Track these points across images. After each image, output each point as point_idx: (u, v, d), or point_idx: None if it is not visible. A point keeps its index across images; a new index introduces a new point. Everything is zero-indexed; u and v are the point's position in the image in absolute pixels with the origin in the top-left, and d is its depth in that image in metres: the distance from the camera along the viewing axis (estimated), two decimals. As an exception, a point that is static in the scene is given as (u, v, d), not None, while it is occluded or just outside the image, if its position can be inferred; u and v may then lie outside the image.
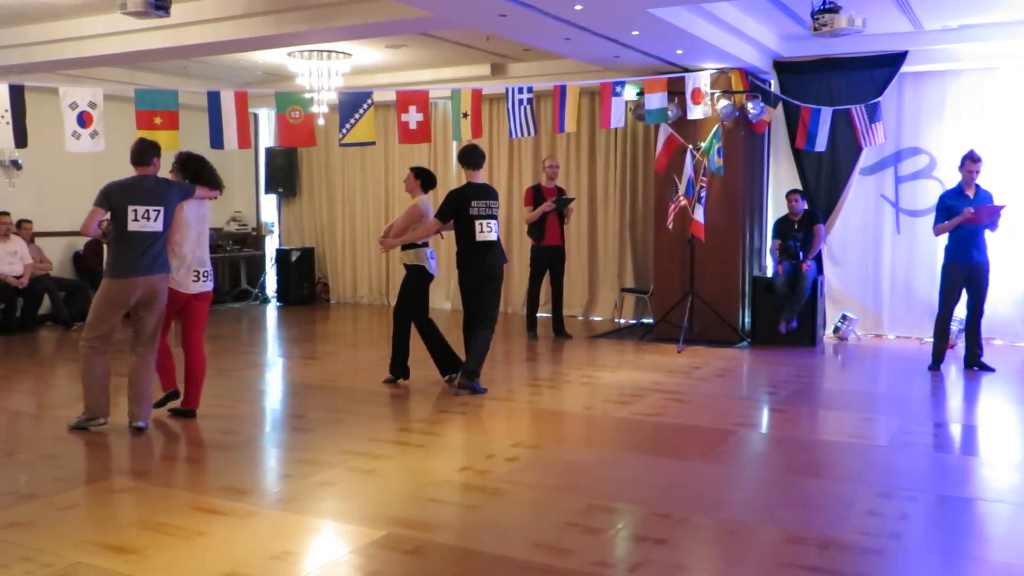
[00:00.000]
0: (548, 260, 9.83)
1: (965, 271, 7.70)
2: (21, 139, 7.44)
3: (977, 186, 7.78)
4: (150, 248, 5.66)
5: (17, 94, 7.20)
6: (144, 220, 5.62)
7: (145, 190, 5.68)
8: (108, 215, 5.68)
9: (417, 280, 7.19)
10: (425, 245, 7.18)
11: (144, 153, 5.79)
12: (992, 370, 7.82)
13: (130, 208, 5.58)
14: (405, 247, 7.11)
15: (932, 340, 8.09)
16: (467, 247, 6.93)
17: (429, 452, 5.38)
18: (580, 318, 11.54)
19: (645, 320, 10.91)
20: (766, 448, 5.69)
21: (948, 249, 7.83)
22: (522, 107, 8.34)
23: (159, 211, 5.68)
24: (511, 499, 4.49)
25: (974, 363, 7.92)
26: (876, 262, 9.91)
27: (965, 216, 7.54)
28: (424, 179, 7.26)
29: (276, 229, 13.89)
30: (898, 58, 9.17)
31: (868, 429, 6.03)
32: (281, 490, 4.69)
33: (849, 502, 4.46)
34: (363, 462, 5.11)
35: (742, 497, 4.64)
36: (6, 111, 7.28)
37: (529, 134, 8.46)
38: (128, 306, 5.70)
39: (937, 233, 7.91)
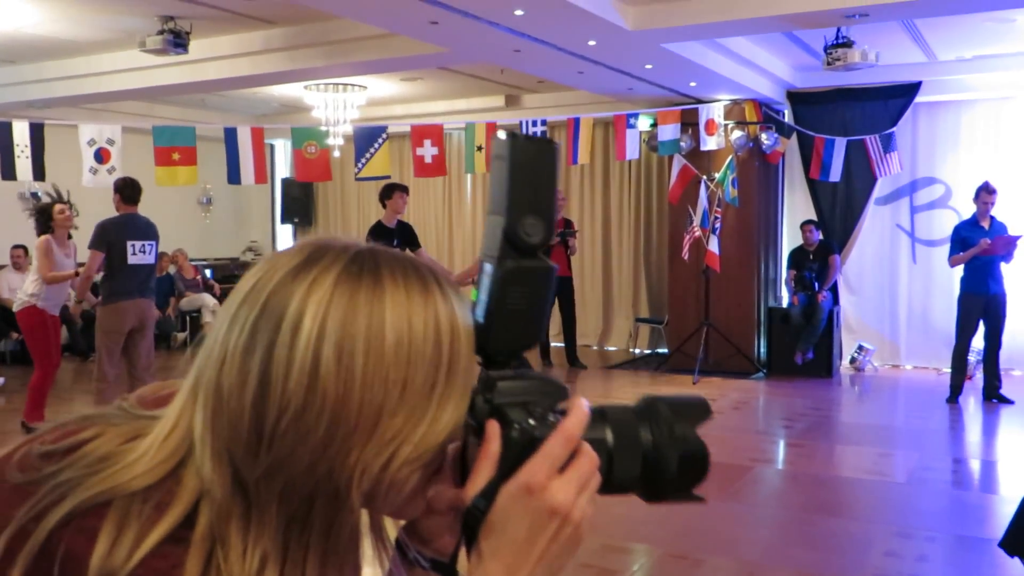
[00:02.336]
0: (555, 292, 9.80)
1: (982, 302, 7.65)
2: (39, 172, 7.56)
3: (992, 217, 7.74)
4: (145, 277, 6.23)
5: (37, 131, 7.31)
6: (141, 254, 6.16)
7: (139, 227, 6.21)
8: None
9: None
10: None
11: (137, 192, 6.30)
12: (1011, 402, 7.74)
13: (128, 243, 6.07)
14: None
15: (950, 371, 8.02)
16: None
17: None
18: (595, 347, 11.52)
19: (660, 350, 10.87)
20: (783, 485, 5.64)
21: (964, 280, 7.78)
22: (536, 140, 8.37)
23: (152, 245, 6.27)
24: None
25: (993, 395, 7.84)
26: (892, 292, 9.86)
27: (981, 247, 7.50)
28: None
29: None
30: (912, 88, 9.17)
31: (886, 465, 5.98)
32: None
33: (867, 542, 4.41)
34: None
35: (759, 537, 4.60)
36: (26, 146, 7.40)
37: (543, 166, 8.48)
38: (125, 332, 6.08)
39: (952, 264, 7.87)
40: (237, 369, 0.71)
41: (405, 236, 7.49)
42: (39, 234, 6.67)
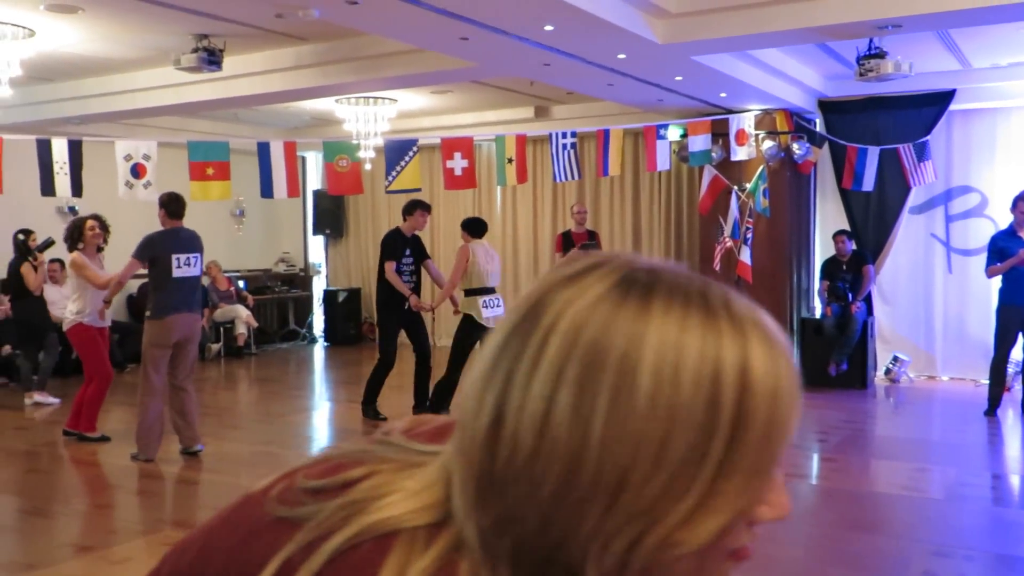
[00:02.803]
0: None
1: (1020, 314, 7.53)
2: (77, 189, 7.67)
3: None
4: (190, 290, 6.27)
5: (75, 148, 7.43)
6: (186, 266, 6.20)
7: (184, 240, 6.28)
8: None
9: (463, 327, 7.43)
10: (480, 292, 7.36)
11: (182, 207, 6.40)
12: None
13: (174, 256, 6.12)
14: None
15: (988, 384, 7.91)
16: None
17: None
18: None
19: (691, 361, 10.81)
20: (817, 500, 5.59)
21: (1002, 291, 7.67)
22: (566, 151, 8.38)
23: (197, 257, 6.32)
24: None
25: None
26: (928, 302, 9.74)
27: (1020, 258, 7.39)
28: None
29: (323, 270, 14.07)
30: (946, 96, 9.07)
31: (923, 480, 5.91)
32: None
33: (904, 561, 4.36)
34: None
35: (793, 555, 4.55)
36: (64, 163, 7.52)
37: (573, 178, 8.50)
38: (171, 345, 6.14)
39: (990, 275, 7.76)
40: (476, 394, 0.62)
41: (417, 246, 7.73)
42: (69, 250, 6.85)
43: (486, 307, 7.26)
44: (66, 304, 10.36)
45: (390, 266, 7.50)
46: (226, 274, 12.32)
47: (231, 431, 7.57)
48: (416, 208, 7.68)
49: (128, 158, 7.56)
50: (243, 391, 9.99)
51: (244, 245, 13.29)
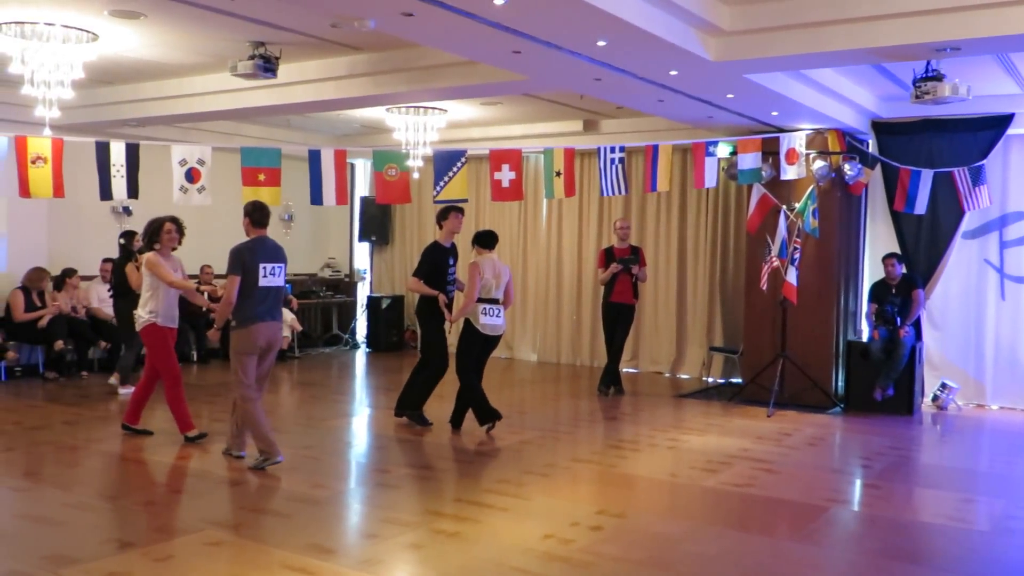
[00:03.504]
0: (613, 315, 9.78)
1: None
2: (133, 191, 7.86)
3: None
4: (273, 299, 6.32)
5: (132, 151, 7.60)
6: (272, 276, 6.26)
7: (269, 249, 6.33)
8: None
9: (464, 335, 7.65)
10: (481, 302, 7.52)
11: (266, 216, 6.42)
12: None
13: (261, 266, 6.18)
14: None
15: None
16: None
17: (513, 516, 5.37)
18: (667, 375, 11.42)
19: (734, 380, 10.73)
20: (859, 528, 5.50)
21: None
22: (614, 166, 8.38)
23: (281, 267, 6.37)
24: (594, 572, 4.44)
25: None
26: (979, 329, 9.54)
27: None
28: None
29: (368, 276, 14.19)
30: (1004, 120, 8.91)
31: (969, 511, 5.78)
32: (367, 551, 4.75)
33: (948, 594, 4.27)
34: (448, 524, 5.14)
35: (834, 582, 4.49)
36: (122, 166, 7.70)
37: (620, 193, 8.49)
38: (259, 350, 6.26)
39: None
40: None
41: (456, 257, 7.85)
42: (143, 250, 7.05)
43: (485, 314, 7.45)
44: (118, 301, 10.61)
45: (414, 280, 7.70)
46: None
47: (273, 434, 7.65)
48: (450, 212, 7.76)
49: (183, 163, 7.73)
50: (285, 395, 10.09)
51: (291, 249, 13.28)
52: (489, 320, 7.50)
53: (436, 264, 7.63)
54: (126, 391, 9.07)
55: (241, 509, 5.48)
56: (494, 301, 7.55)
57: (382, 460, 7.00)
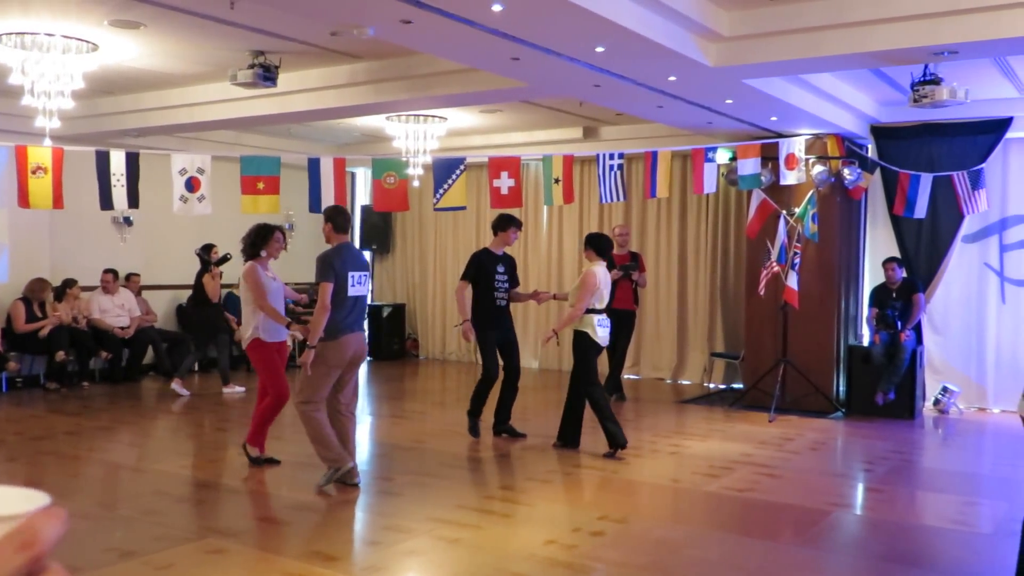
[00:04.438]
0: (614, 322, 9.72)
1: None
2: (134, 200, 7.86)
3: None
4: (360, 310, 6.02)
5: (132, 161, 7.61)
6: (359, 285, 5.92)
7: (355, 257, 6.03)
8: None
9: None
10: (595, 312, 7.09)
11: (348, 221, 6.13)
12: None
13: (349, 274, 5.82)
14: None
15: None
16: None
17: (515, 522, 5.36)
18: (668, 381, 11.42)
19: (735, 385, 10.72)
20: (861, 532, 5.49)
21: None
22: (613, 173, 8.38)
23: (366, 276, 6.04)
24: (597, 578, 4.44)
25: None
26: (980, 333, 9.54)
27: None
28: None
29: (369, 284, 14.18)
30: (1003, 124, 8.93)
31: (972, 514, 5.78)
32: (369, 558, 4.74)
33: (951, 597, 4.27)
34: (449, 531, 5.14)
35: (837, 586, 4.49)
36: (122, 175, 7.71)
37: (619, 199, 8.49)
38: (344, 365, 5.89)
39: None
40: None
41: (510, 267, 7.70)
42: (248, 257, 6.47)
43: (600, 326, 7.07)
44: (126, 313, 10.69)
45: (462, 285, 7.55)
46: (274, 286, 12.48)
47: (274, 442, 7.63)
48: (509, 225, 7.60)
49: (183, 172, 7.74)
50: (288, 403, 10.08)
51: (292, 258, 13.43)
52: (603, 331, 7.10)
53: (482, 269, 7.49)
54: (229, 390, 10.01)
55: (243, 517, 5.48)
56: (602, 312, 7.14)
57: (384, 468, 6.99)
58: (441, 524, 5.26)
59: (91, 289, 10.70)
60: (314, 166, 7.91)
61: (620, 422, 7.16)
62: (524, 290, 8.45)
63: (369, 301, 13.69)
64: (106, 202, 7.74)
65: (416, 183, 10.30)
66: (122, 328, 10.65)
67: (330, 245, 5.99)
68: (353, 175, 13.88)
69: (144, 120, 9.62)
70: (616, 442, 6.97)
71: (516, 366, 7.64)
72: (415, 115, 10.20)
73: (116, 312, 10.73)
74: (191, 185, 7.65)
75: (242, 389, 10.09)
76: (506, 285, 7.63)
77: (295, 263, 13.46)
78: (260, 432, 6.55)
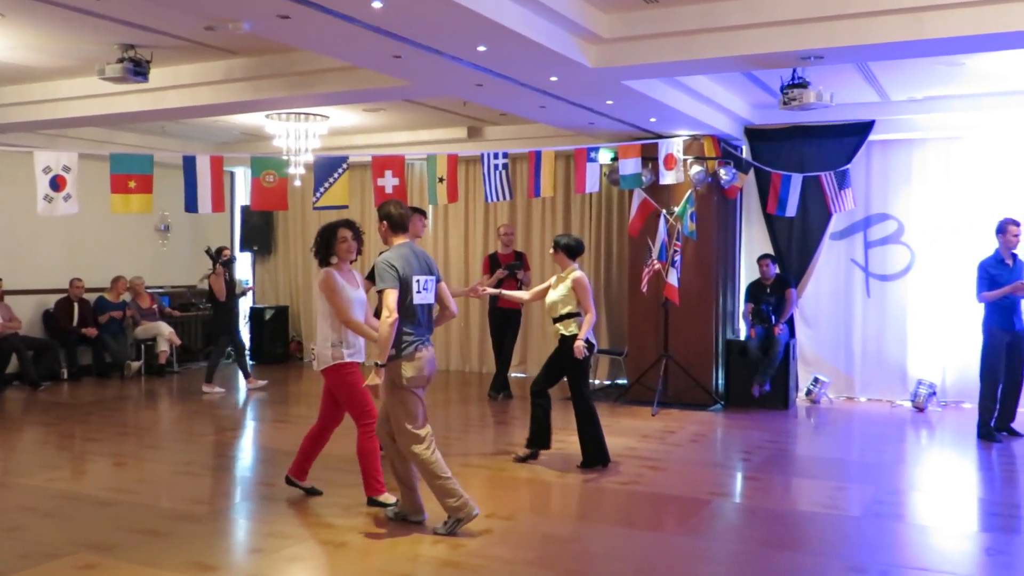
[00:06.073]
0: (501, 321, 9.85)
1: (1007, 338, 7.65)
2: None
3: (1014, 255, 7.72)
4: (429, 321, 5.15)
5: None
6: (425, 292, 5.05)
7: (419, 258, 5.09)
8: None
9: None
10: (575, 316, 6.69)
11: (407, 217, 5.21)
12: (1021, 435, 7.83)
13: (414, 279, 4.98)
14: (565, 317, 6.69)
15: (979, 407, 7.86)
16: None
17: (402, 523, 5.30)
18: (555, 379, 11.52)
19: (619, 381, 10.93)
20: (740, 519, 5.67)
21: (989, 316, 7.69)
22: (497, 172, 8.42)
23: (432, 280, 5.13)
24: (484, 575, 4.44)
25: (1004, 428, 7.88)
26: (847, 325, 10.02)
27: (1014, 288, 7.47)
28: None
29: (251, 287, 13.84)
30: (866, 127, 9.39)
31: (842, 498, 6.05)
32: (251, 566, 4.61)
33: (823, 578, 4.45)
34: (334, 535, 5.05)
35: (716, 572, 4.62)
36: (-21, 174, 7.27)
37: (505, 198, 8.53)
38: (426, 385, 5.07)
39: (982, 300, 7.71)
40: None
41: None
42: (321, 264, 5.58)
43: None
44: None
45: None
46: (149, 290, 12.04)
47: (151, 451, 7.38)
48: (412, 214, 7.15)
49: (47, 170, 7.36)
50: (164, 410, 9.73)
51: (169, 261, 13.01)
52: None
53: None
54: (210, 389, 10.33)
55: (117, 530, 5.24)
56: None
57: (266, 473, 6.81)
58: (326, 528, 5.16)
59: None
60: (190, 164, 7.65)
61: (508, 421, 7.18)
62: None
63: (252, 304, 13.50)
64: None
65: (297, 182, 10.11)
66: (-17, 336, 10.07)
67: (388, 247, 5.14)
68: (232, 174, 13.52)
69: (4, 116, 9.12)
70: (540, 444, 6.89)
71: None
72: (296, 113, 10.01)
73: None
74: (56, 184, 7.28)
75: (221, 390, 10.39)
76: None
77: (173, 264, 13.03)
78: (307, 460, 5.85)
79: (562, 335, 6.65)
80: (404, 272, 4.92)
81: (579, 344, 6.48)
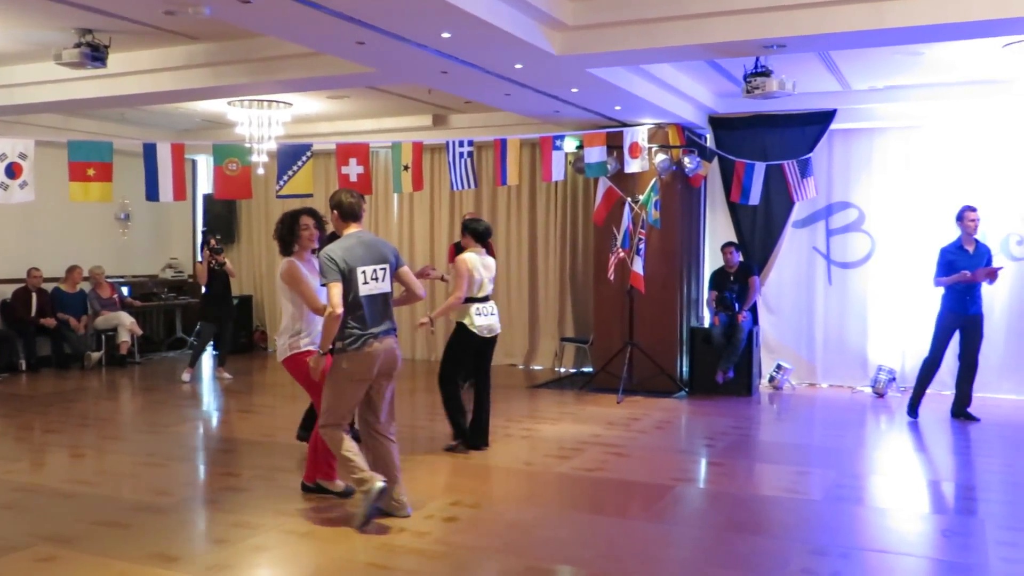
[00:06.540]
0: None
1: (960, 322, 7.86)
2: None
3: (976, 241, 7.91)
4: (384, 309, 5.10)
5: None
6: (374, 282, 5.00)
7: (368, 247, 5.05)
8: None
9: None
10: (474, 300, 6.74)
11: (358, 206, 5.16)
12: (978, 420, 7.99)
13: (359, 270, 4.94)
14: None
15: (915, 384, 8.20)
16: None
17: (385, 518, 5.28)
18: (520, 367, 11.56)
19: (585, 368, 10.97)
20: (704, 504, 5.73)
21: (946, 300, 7.92)
22: (463, 160, 8.39)
23: (385, 269, 5.08)
24: (449, 563, 4.44)
25: (961, 413, 8.07)
26: (809, 313, 10.13)
27: (964, 277, 7.67)
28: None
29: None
30: (828, 116, 9.48)
31: (803, 483, 6.13)
32: (213, 556, 4.58)
33: (784, 560, 4.51)
34: (299, 524, 5.03)
35: (680, 556, 4.66)
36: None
37: (470, 186, 8.51)
38: (371, 379, 5.04)
39: (937, 284, 7.96)
40: None
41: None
42: (282, 253, 5.58)
43: (479, 315, 6.71)
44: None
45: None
46: (109, 280, 11.86)
47: (112, 442, 7.29)
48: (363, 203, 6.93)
49: (2, 157, 7.22)
50: (126, 401, 9.61)
51: (130, 250, 12.83)
52: (483, 320, 6.73)
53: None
54: (187, 376, 10.40)
55: (77, 522, 5.17)
56: (486, 299, 6.79)
57: (230, 463, 6.77)
58: (290, 518, 5.14)
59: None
60: (150, 152, 7.53)
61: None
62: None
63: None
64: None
65: (260, 170, 10.01)
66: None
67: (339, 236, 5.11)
68: (194, 162, 13.35)
69: (-43, 102, 8.91)
70: (463, 434, 6.93)
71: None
72: (258, 100, 9.90)
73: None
74: (11, 171, 7.13)
75: (230, 376, 10.60)
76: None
77: (133, 254, 12.85)
78: (321, 461, 5.60)
79: (455, 320, 6.89)
80: (346, 264, 4.90)
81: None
